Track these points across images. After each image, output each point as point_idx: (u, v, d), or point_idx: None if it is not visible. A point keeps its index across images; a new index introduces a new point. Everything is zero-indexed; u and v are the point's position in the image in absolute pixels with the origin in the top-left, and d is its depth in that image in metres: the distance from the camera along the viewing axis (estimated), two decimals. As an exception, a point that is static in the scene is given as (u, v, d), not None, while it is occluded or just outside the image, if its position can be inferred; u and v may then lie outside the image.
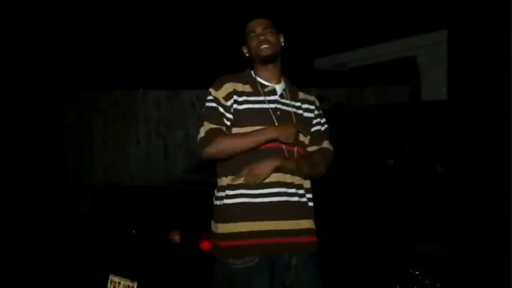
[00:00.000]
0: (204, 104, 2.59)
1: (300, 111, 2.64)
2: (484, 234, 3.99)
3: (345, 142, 3.84)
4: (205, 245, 3.03)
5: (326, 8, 9.87)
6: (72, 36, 9.71)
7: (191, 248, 3.20)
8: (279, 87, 2.63)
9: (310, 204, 2.61)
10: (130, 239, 3.67)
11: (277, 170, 2.49)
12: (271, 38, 2.58)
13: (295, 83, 2.74)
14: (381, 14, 8.89)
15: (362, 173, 3.81)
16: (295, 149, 2.55)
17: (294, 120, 2.56)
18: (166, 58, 10.63)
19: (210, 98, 2.55)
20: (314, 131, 2.66)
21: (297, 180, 2.55)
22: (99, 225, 4.07)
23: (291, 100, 2.63)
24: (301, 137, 2.58)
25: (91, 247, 4.14)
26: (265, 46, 2.56)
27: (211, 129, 2.48)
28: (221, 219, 2.51)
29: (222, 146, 2.45)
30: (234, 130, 2.51)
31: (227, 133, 2.50)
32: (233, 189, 2.49)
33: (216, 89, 2.54)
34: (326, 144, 2.68)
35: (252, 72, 2.65)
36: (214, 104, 2.52)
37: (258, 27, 2.59)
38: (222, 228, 2.50)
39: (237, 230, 2.46)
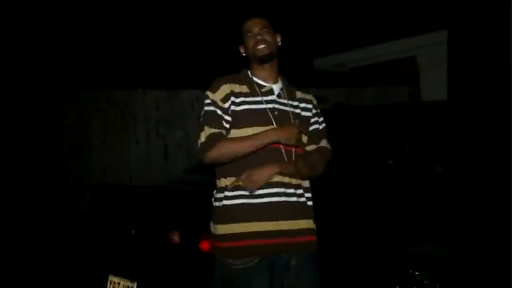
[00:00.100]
0: (203, 107, 2.58)
1: (298, 111, 2.64)
2: (483, 235, 3.99)
3: (344, 142, 3.84)
4: (204, 245, 3.03)
5: (326, 8, 9.86)
6: (72, 37, 9.70)
7: (191, 248, 3.20)
8: (277, 87, 2.62)
9: (310, 203, 2.61)
10: (129, 239, 3.67)
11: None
12: (268, 38, 2.57)
13: (295, 83, 2.74)
14: (381, 14, 8.89)
15: (362, 173, 3.81)
16: (293, 148, 2.55)
17: (292, 120, 2.56)
18: (166, 58, 10.63)
19: (207, 101, 2.54)
20: (312, 130, 2.66)
21: (295, 180, 2.55)
22: (98, 225, 4.07)
23: (289, 99, 2.63)
24: (302, 137, 2.58)
25: (91, 247, 4.14)
26: (262, 46, 2.56)
27: (211, 134, 2.48)
28: (220, 220, 2.51)
29: (223, 151, 2.46)
30: (232, 132, 2.51)
31: (227, 137, 2.50)
32: (232, 191, 2.49)
33: (213, 92, 2.54)
34: (324, 143, 2.68)
35: (249, 73, 2.64)
36: (212, 108, 2.52)
37: (255, 26, 2.59)
38: (221, 229, 2.50)
39: (236, 231, 2.46)
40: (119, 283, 3.62)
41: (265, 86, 2.60)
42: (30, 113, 7.43)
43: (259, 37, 2.57)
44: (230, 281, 2.48)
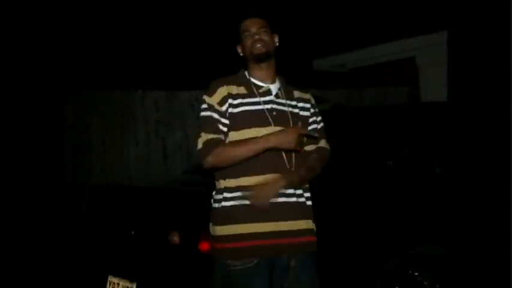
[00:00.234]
0: (200, 111, 2.58)
1: (296, 110, 2.63)
2: (483, 236, 3.99)
3: (344, 143, 3.84)
4: (204, 246, 3.02)
5: (325, 9, 9.87)
6: (72, 38, 9.70)
7: (190, 249, 3.19)
8: (274, 87, 2.62)
9: (309, 203, 2.61)
10: (129, 240, 3.66)
11: (275, 172, 2.49)
12: (265, 37, 2.57)
13: (295, 84, 2.73)
14: (381, 15, 8.89)
15: (361, 174, 3.81)
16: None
17: (291, 120, 2.55)
18: (165, 59, 10.63)
19: (204, 106, 2.54)
20: (311, 130, 2.66)
21: None
22: (98, 225, 4.07)
23: (287, 99, 2.62)
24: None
25: (90, 248, 4.14)
26: (259, 44, 2.55)
27: (208, 140, 2.48)
28: (219, 222, 2.51)
29: (221, 157, 2.46)
30: (231, 134, 2.50)
31: (225, 141, 2.49)
32: (231, 192, 2.49)
33: (210, 95, 2.53)
34: (322, 143, 2.69)
35: (246, 73, 2.63)
36: (208, 113, 2.51)
37: (253, 26, 2.58)
38: (220, 230, 2.49)
39: (236, 232, 2.46)
40: (118, 284, 3.62)
41: (262, 87, 2.59)
42: (31, 113, 7.44)
43: (256, 36, 2.56)
44: (229, 281, 2.48)
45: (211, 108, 2.51)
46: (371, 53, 9.11)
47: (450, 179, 4.01)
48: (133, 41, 10.36)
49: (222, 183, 2.53)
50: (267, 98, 2.57)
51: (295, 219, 2.52)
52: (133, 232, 3.64)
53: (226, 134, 2.51)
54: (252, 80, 2.60)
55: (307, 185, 2.62)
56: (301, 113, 2.65)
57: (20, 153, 7.12)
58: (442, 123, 4.25)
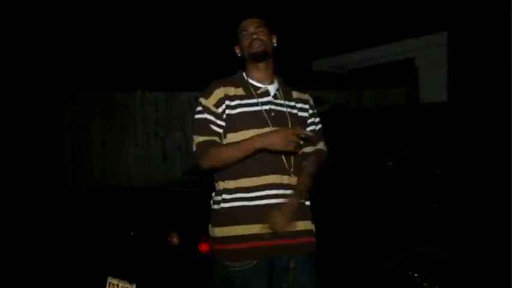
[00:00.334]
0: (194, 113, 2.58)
1: (295, 111, 2.62)
2: (483, 237, 3.99)
3: (343, 144, 3.84)
4: (203, 247, 3.02)
5: (325, 10, 9.87)
6: (72, 39, 9.70)
7: (190, 250, 3.19)
8: (272, 88, 2.61)
9: (307, 203, 2.61)
10: (128, 241, 3.66)
11: (274, 173, 2.49)
12: (263, 37, 2.56)
13: (294, 85, 2.73)
14: (380, 16, 8.89)
15: (361, 175, 3.81)
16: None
17: (289, 121, 2.55)
18: (164, 59, 10.62)
19: (199, 108, 2.54)
20: (309, 131, 2.66)
21: (293, 181, 2.55)
22: (97, 226, 4.07)
23: (285, 100, 2.61)
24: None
25: (90, 249, 4.14)
26: (257, 43, 2.54)
27: (200, 143, 2.49)
28: (218, 223, 2.51)
29: (213, 159, 2.46)
30: (229, 135, 2.50)
31: (219, 142, 2.49)
32: (230, 193, 2.49)
33: (206, 97, 2.53)
34: (321, 145, 2.69)
35: (244, 74, 2.63)
36: (202, 115, 2.51)
37: (251, 26, 2.58)
38: (220, 231, 2.49)
39: (235, 234, 2.46)
40: (118, 285, 3.62)
41: (260, 88, 2.58)
42: (31, 114, 7.43)
43: (254, 36, 2.56)
44: (229, 283, 2.48)
45: (206, 110, 2.51)
46: (370, 54, 9.11)
47: (449, 180, 4.01)
48: (132, 42, 10.36)
49: (221, 185, 2.53)
50: (265, 99, 2.56)
51: (294, 220, 2.52)
52: (132, 233, 3.64)
53: (221, 135, 2.51)
54: (250, 81, 2.60)
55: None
56: (300, 113, 2.64)
57: (20, 154, 7.11)
58: (442, 124, 4.25)
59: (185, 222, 3.33)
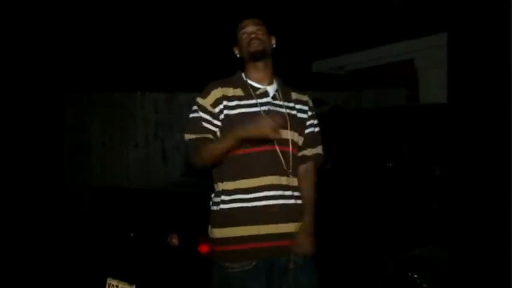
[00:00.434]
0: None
1: (294, 112, 2.62)
2: (483, 238, 3.99)
3: (343, 145, 3.84)
4: (203, 248, 3.02)
5: (324, 11, 9.87)
6: (72, 39, 9.70)
7: (189, 251, 3.19)
8: (271, 89, 2.61)
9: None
10: (128, 242, 3.66)
11: (273, 174, 2.48)
12: (262, 36, 2.57)
13: (294, 86, 2.73)
14: (380, 17, 8.89)
15: (361, 176, 3.81)
16: (290, 150, 2.54)
17: (288, 122, 2.55)
18: (164, 61, 10.62)
19: (194, 108, 2.55)
20: (308, 133, 2.65)
21: (292, 182, 2.55)
22: (97, 227, 4.07)
23: (284, 101, 2.61)
24: (296, 138, 2.57)
25: (89, 250, 4.13)
26: (255, 43, 2.55)
27: (191, 140, 2.51)
28: (218, 224, 2.51)
29: (202, 155, 2.47)
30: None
31: (212, 139, 2.49)
32: (229, 194, 2.49)
33: (204, 97, 2.54)
34: (319, 149, 2.69)
35: (243, 75, 2.62)
36: (197, 114, 2.53)
37: (250, 26, 2.59)
38: (219, 233, 2.49)
39: (235, 235, 2.46)
40: (117, 286, 3.62)
41: (259, 88, 2.58)
42: (30, 115, 7.43)
43: (253, 35, 2.56)
44: (228, 284, 2.48)
45: (202, 109, 2.52)
46: (370, 55, 9.10)
47: (449, 181, 4.01)
48: (132, 43, 10.36)
49: (220, 186, 2.53)
50: (264, 100, 2.56)
51: (294, 221, 2.52)
52: (132, 234, 3.64)
53: (216, 134, 2.51)
54: (249, 81, 2.60)
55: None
56: (299, 115, 2.64)
57: (20, 154, 7.11)
58: (442, 125, 4.25)
59: (185, 223, 3.33)
